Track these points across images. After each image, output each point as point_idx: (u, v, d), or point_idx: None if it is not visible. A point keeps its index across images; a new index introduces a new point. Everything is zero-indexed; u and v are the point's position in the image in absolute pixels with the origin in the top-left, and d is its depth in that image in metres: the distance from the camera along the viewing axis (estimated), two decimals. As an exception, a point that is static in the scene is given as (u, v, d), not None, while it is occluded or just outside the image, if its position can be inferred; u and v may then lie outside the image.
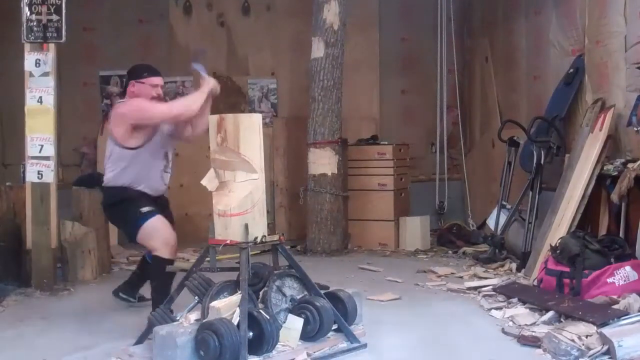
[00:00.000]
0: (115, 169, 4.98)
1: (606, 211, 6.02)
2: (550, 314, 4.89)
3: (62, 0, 6.30)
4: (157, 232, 4.89)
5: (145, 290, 5.31)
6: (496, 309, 5.33)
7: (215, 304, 4.15)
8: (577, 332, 4.37)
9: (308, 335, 4.37)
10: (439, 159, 9.69)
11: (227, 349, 3.91)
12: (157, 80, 5.19)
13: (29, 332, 5.07)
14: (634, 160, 5.66)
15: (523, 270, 6.53)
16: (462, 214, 9.37)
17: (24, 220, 6.35)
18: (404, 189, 8.71)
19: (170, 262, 4.85)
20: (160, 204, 5.13)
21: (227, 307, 4.14)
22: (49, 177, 6.33)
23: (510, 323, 4.96)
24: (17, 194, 6.56)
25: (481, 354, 4.34)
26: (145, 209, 4.89)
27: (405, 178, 8.75)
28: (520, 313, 5.09)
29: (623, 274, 5.13)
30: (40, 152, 6.28)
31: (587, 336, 4.30)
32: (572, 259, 5.31)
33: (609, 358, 4.06)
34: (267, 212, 4.63)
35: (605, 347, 4.10)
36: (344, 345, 4.45)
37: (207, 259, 4.47)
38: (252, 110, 9.45)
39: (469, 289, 5.97)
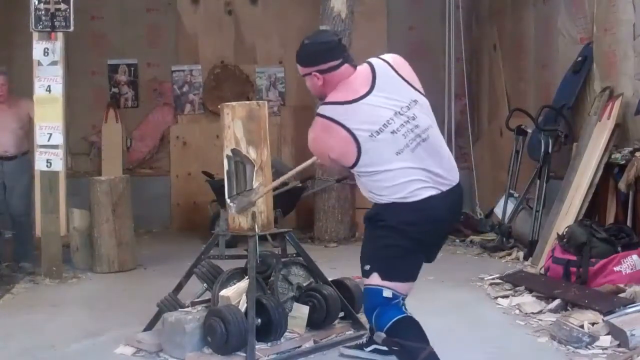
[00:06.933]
0: None
1: (614, 200, 6.01)
2: (557, 302, 4.91)
3: (70, -11, 6.32)
4: None
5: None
6: (503, 297, 5.35)
7: (224, 292, 4.18)
8: (584, 320, 4.39)
9: (315, 322, 4.39)
10: (446, 148, 9.64)
11: (234, 335, 3.94)
12: None
13: (38, 319, 5.11)
14: (642, 149, 5.65)
15: (530, 259, 6.55)
16: (470, 203, 9.35)
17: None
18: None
19: None
20: None
21: (236, 294, 4.17)
22: (58, 165, 6.37)
23: (517, 311, 4.97)
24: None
25: (487, 342, 4.35)
26: None
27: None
28: (527, 301, 5.10)
29: (630, 262, 5.14)
30: (48, 140, 6.31)
31: (593, 324, 4.32)
32: (579, 247, 5.32)
33: (619, 347, 4.09)
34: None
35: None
36: (350, 332, 4.48)
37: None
38: (260, 99, 9.46)
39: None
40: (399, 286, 3.47)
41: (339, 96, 3.42)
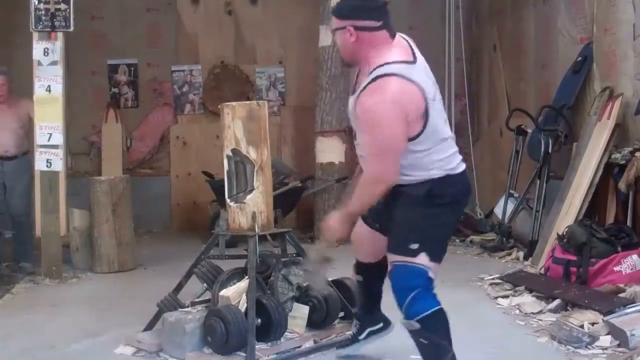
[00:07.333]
0: None
1: (614, 200, 6.01)
2: (557, 302, 4.91)
3: (70, -11, 6.32)
4: None
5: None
6: (503, 297, 5.35)
7: (224, 292, 4.18)
8: (584, 320, 4.39)
9: (315, 322, 4.39)
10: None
11: (234, 335, 3.94)
12: None
13: (38, 319, 5.11)
14: (642, 149, 5.66)
15: (530, 259, 6.55)
16: (470, 203, 9.35)
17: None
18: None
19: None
20: None
21: (236, 294, 4.17)
22: (58, 165, 6.37)
23: (517, 311, 4.97)
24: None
25: (487, 342, 4.35)
26: None
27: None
28: (527, 301, 5.10)
29: (630, 262, 5.15)
30: (48, 140, 6.31)
31: (593, 324, 4.32)
32: (579, 247, 5.32)
33: (619, 347, 4.09)
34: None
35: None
36: (350, 332, 4.47)
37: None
38: (260, 99, 9.45)
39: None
40: (437, 268, 3.35)
41: (396, 56, 3.21)
